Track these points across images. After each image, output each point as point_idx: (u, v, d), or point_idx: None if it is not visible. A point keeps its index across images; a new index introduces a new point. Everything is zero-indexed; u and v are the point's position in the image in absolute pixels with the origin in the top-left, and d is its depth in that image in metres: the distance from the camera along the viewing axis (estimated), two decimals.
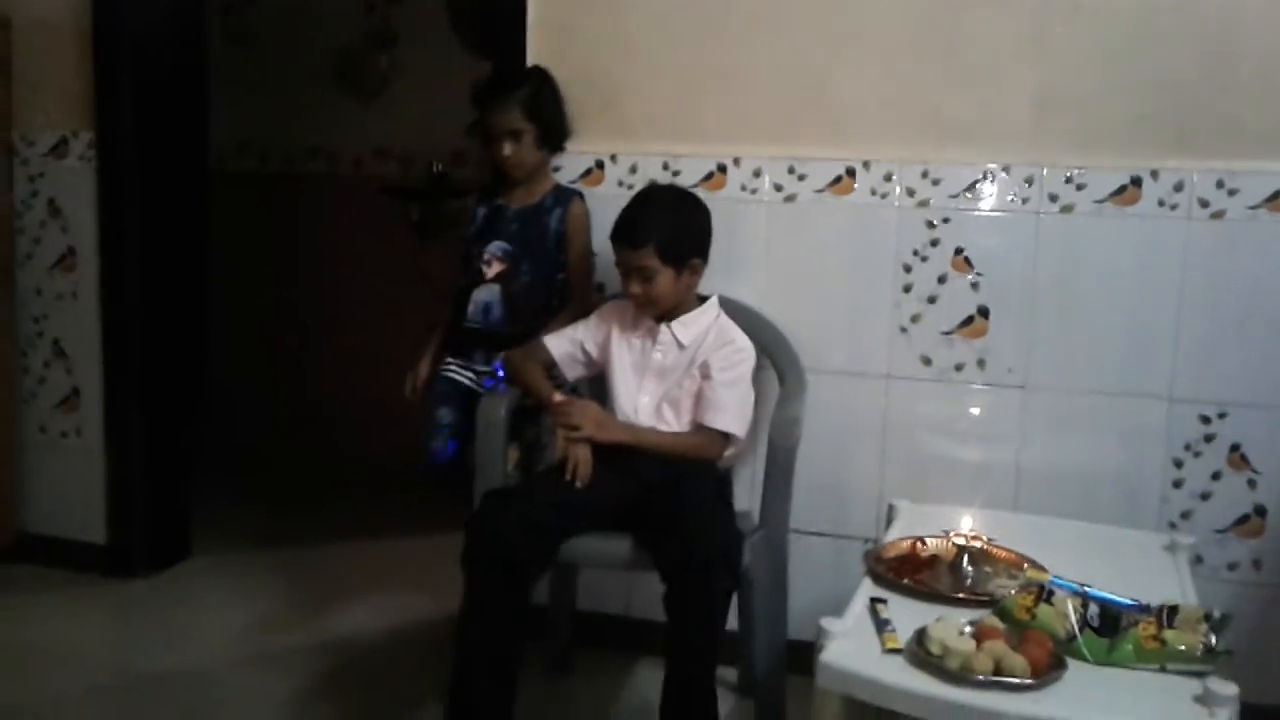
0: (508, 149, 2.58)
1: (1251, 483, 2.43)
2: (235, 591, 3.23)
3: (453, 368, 2.73)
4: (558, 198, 2.66)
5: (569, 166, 2.76)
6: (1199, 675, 1.59)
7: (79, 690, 2.66)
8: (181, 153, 3.38)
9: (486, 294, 2.66)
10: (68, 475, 3.32)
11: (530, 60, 2.74)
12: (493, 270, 2.66)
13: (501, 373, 2.59)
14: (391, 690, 2.68)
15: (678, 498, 2.22)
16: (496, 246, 2.66)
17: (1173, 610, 1.69)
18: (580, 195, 2.68)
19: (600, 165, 2.75)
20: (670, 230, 2.35)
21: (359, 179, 4.31)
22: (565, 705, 2.63)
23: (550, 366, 2.51)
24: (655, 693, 2.20)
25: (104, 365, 3.24)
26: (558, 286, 2.68)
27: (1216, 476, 2.44)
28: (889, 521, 2.28)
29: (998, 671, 1.57)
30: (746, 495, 2.58)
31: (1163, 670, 1.62)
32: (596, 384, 2.63)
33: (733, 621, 2.33)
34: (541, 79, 2.65)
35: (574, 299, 2.66)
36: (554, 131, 2.63)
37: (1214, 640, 1.64)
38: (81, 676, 2.72)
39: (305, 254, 4.36)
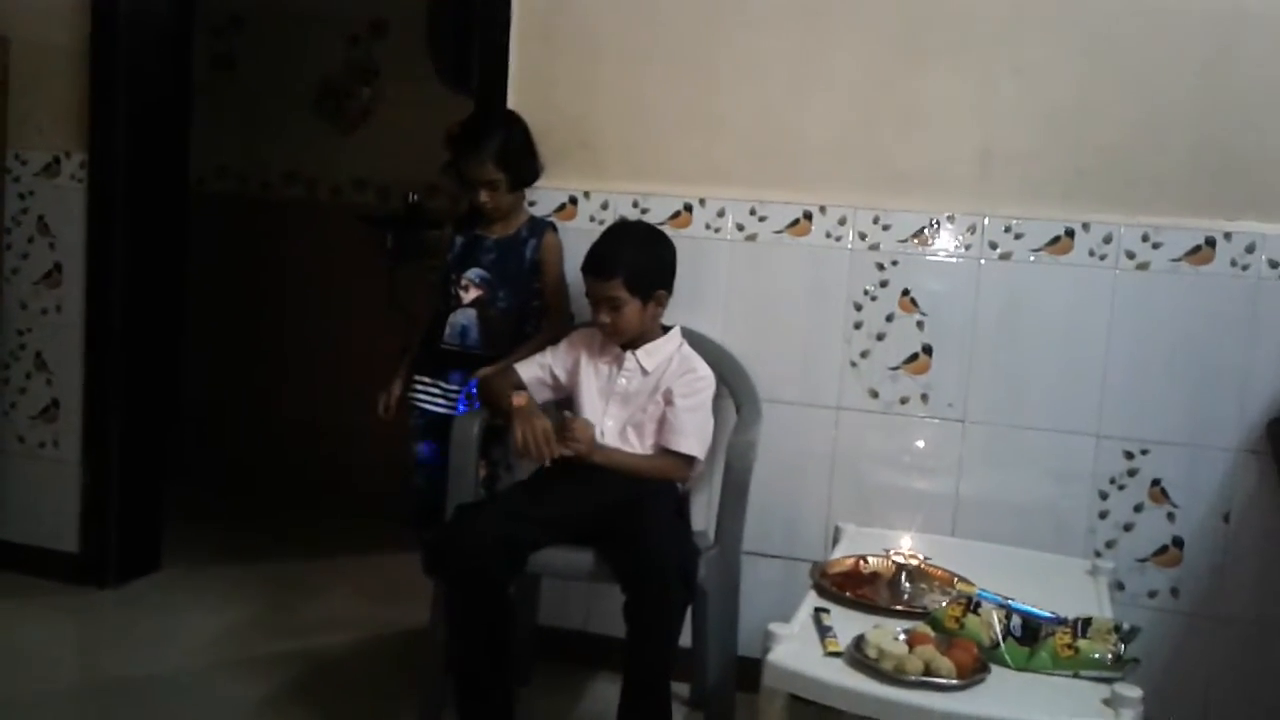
0: (484, 196, 2.73)
1: (1170, 515, 2.60)
2: (205, 602, 3.31)
3: (422, 393, 2.86)
4: (532, 229, 2.81)
5: (544, 201, 2.91)
6: (1108, 681, 1.75)
7: (48, 693, 2.73)
8: (167, 175, 3.49)
9: (463, 318, 2.80)
10: (44, 485, 3.40)
11: (511, 101, 2.89)
12: (470, 295, 2.80)
13: (475, 392, 2.72)
14: (361, 697, 2.78)
15: (639, 514, 2.36)
16: (474, 273, 2.80)
17: (1087, 622, 1.85)
18: (554, 226, 2.83)
19: (574, 201, 2.91)
20: (638, 264, 2.50)
21: (337, 206, 4.42)
22: (526, 717, 2.73)
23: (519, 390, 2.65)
24: (612, 706, 2.34)
25: (85, 378, 3.33)
26: (531, 312, 2.83)
27: (1139, 509, 2.61)
28: (834, 542, 2.43)
29: (927, 673, 1.72)
30: (703, 516, 2.73)
31: (1076, 676, 1.78)
32: (563, 406, 2.77)
33: (686, 639, 2.45)
34: (510, 127, 2.78)
35: (548, 324, 2.81)
36: (525, 175, 2.79)
37: (1123, 649, 1.80)
38: (50, 680, 2.80)
39: (282, 277, 4.44)
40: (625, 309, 2.50)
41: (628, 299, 2.49)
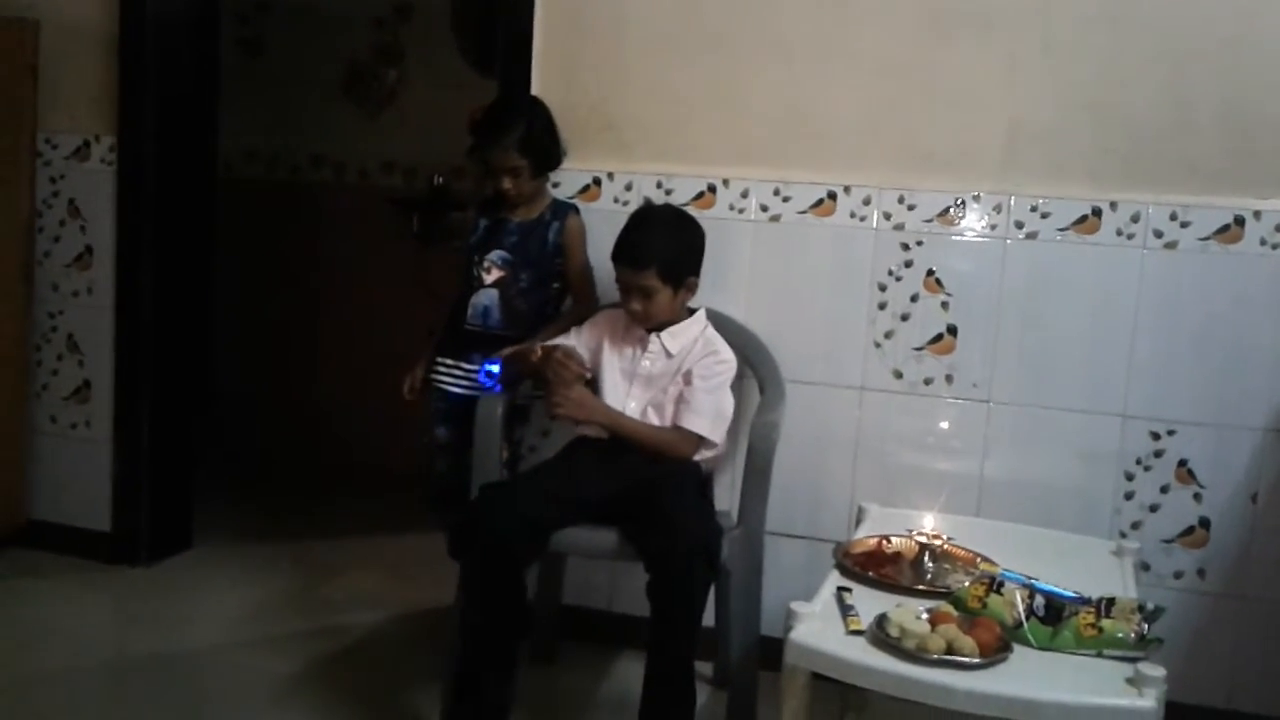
0: (507, 183, 2.74)
1: (1197, 496, 2.59)
2: (235, 580, 3.36)
3: (444, 375, 2.87)
4: (555, 212, 2.82)
5: (568, 183, 2.92)
6: (1132, 660, 1.75)
7: (81, 669, 2.78)
8: (195, 159, 3.52)
9: (486, 298, 2.82)
10: (76, 465, 3.45)
11: (536, 83, 2.90)
12: (492, 277, 2.81)
13: (499, 371, 2.73)
14: (387, 673, 2.81)
15: (663, 494, 2.37)
16: (497, 255, 2.81)
17: (1110, 602, 1.85)
18: (576, 210, 2.83)
19: (598, 182, 2.91)
20: (671, 252, 2.51)
21: (364, 189, 4.46)
22: (549, 695, 2.76)
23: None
24: (636, 684, 2.34)
25: (115, 360, 3.37)
26: (553, 295, 2.84)
27: (1165, 490, 2.60)
28: (858, 522, 2.43)
29: (949, 652, 1.73)
30: (727, 496, 2.74)
31: (1099, 655, 1.78)
32: (587, 387, 2.78)
33: (710, 619, 2.46)
34: (532, 113, 2.78)
35: (574, 306, 2.83)
36: (548, 161, 2.80)
37: (1146, 629, 1.80)
38: (83, 656, 2.84)
39: (311, 261, 4.49)
40: (657, 297, 2.50)
41: (660, 287, 2.49)
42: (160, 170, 3.32)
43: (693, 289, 2.57)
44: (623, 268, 2.52)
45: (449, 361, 2.87)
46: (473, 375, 2.83)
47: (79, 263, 3.39)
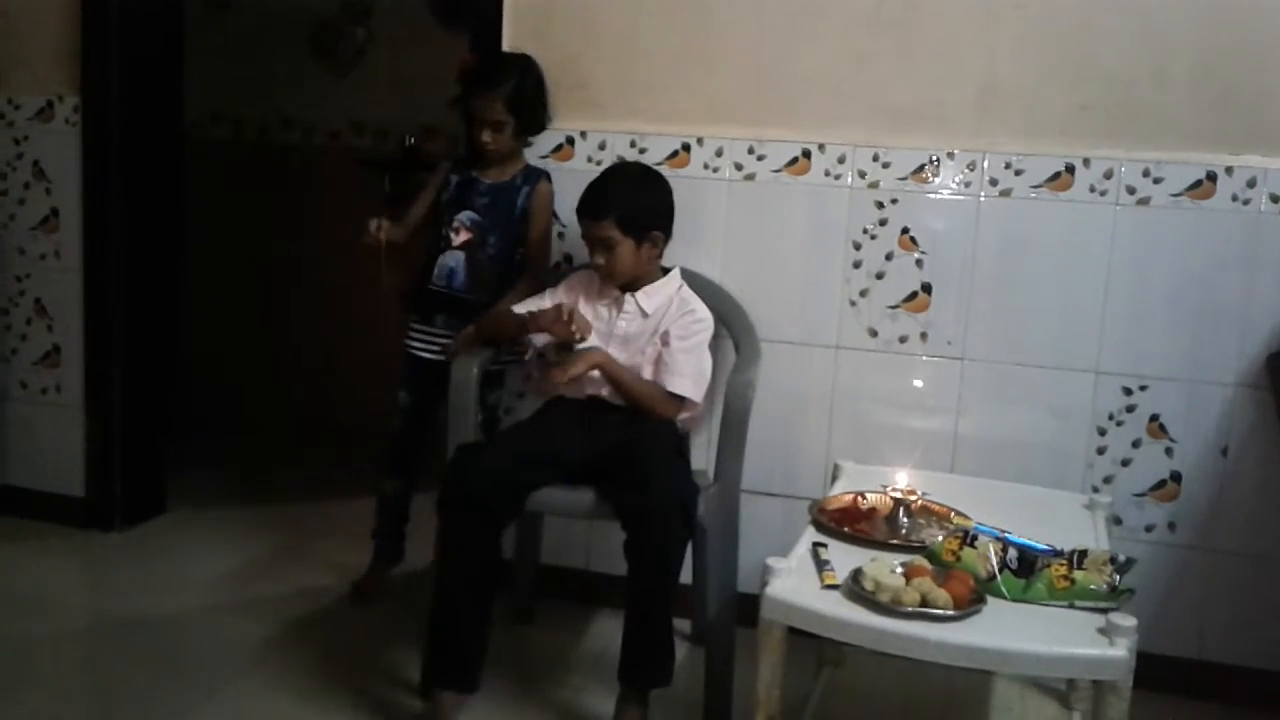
0: (488, 137, 2.72)
1: (1169, 450, 2.62)
2: (210, 544, 3.35)
3: (416, 341, 2.86)
4: (527, 176, 2.80)
5: (541, 142, 2.89)
6: (1103, 611, 1.76)
7: (57, 634, 2.77)
8: (162, 118, 3.46)
9: (452, 260, 2.80)
10: (47, 430, 3.42)
11: (506, 41, 2.86)
12: (460, 238, 2.79)
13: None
14: (364, 637, 2.81)
15: (639, 453, 2.37)
16: (465, 216, 2.79)
17: (1082, 554, 1.87)
18: (548, 176, 2.81)
19: (570, 142, 2.89)
20: (630, 204, 2.50)
21: (334, 150, 4.40)
22: (528, 653, 2.77)
23: (518, 332, 2.65)
24: (614, 642, 2.36)
25: (85, 323, 3.34)
26: (518, 261, 2.83)
27: (1137, 445, 2.63)
28: (833, 479, 2.44)
29: (924, 605, 1.74)
30: (703, 455, 2.74)
31: (1072, 606, 1.79)
32: (561, 349, 2.77)
33: (687, 576, 2.48)
34: (526, 72, 2.75)
35: (528, 272, 2.80)
36: (532, 124, 2.78)
37: (1118, 580, 1.82)
38: (59, 621, 2.84)
39: (283, 223, 4.44)
40: (618, 250, 2.49)
41: (620, 239, 2.49)
42: (126, 131, 3.27)
43: (657, 244, 2.56)
44: (583, 220, 2.52)
45: (416, 326, 2.87)
46: (437, 340, 2.81)
47: (45, 225, 3.34)
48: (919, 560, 1.87)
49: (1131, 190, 2.57)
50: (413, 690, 2.51)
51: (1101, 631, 1.72)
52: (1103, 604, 1.79)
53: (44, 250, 3.36)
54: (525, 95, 2.72)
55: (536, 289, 2.71)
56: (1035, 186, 2.62)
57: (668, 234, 2.58)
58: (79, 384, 3.37)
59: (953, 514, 2.12)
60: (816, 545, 1.99)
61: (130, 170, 3.29)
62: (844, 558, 1.93)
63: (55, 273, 3.35)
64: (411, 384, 2.89)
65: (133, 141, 3.29)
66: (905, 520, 2.13)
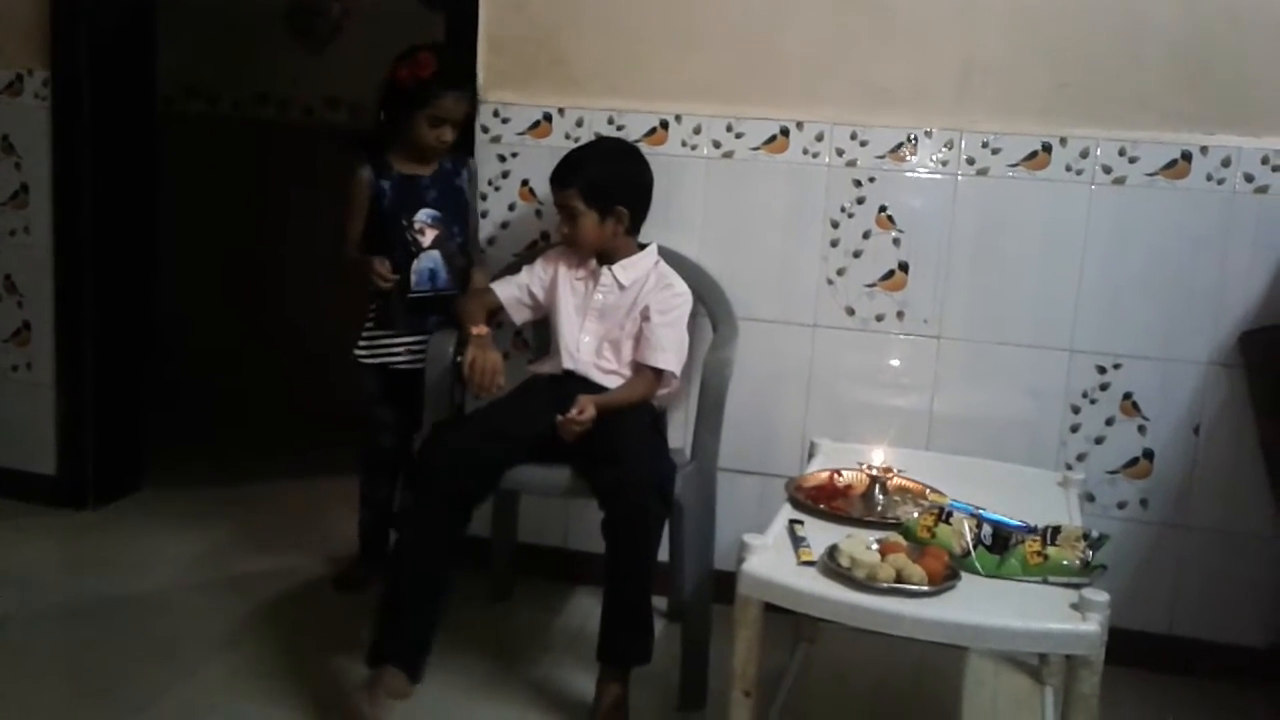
0: (449, 135, 2.72)
1: (1141, 428, 2.64)
2: (186, 524, 3.32)
3: (386, 349, 2.81)
4: (456, 161, 2.81)
5: (517, 119, 2.88)
6: (1076, 586, 1.78)
7: (31, 613, 2.75)
8: (133, 93, 3.40)
9: (429, 261, 2.77)
10: (18, 408, 3.38)
11: (484, 14, 2.84)
12: (428, 238, 2.77)
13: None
14: (340, 617, 2.79)
15: (616, 431, 2.37)
16: (426, 215, 2.77)
17: (1055, 530, 1.89)
18: (471, 154, 2.85)
19: (548, 118, 2.87)
20: (598, 176, 2.51)
21: (309, 126, 4.36)
22: (506, 632, 2.77)
23: (496, 311, 2.64)
24: (593, 620, 2.37)
25: (55, 300, 3.30)
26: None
27: (1110, 422, 2.65)
28: (810, 457, 2.45)
29: (899, 580, 1.75)
30: (680, 433, 2.74)
31: (1045, 582, 1.81)
32: (539, 327, 2.77)
33: (664, 554, 2.49)
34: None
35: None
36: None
37: (1091, 556, 1.83)
38: (33, 600, 2.81)
39: (260, 200, 4.39)
40: (582, 220, 2.51)
41: (584, 210, 2.50)
42: (97, 105, 3.22)
43: (623, 220, 2.55)
44: (552, 186, 2.55)
45: (390, 336, 2.80)
46: (423, 346, 2.72)
47: (14, 201, 3.30)
48: (894, 537, 1.88)
49: (1107, 169, 2.58)
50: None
51: (1074, 607, 1.73)
52: (1075, 579, 1.80)
53: (13, 226, 3.31)
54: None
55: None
56: (1012, 165, 2.62)
57: (637, 211, 2.58)
58: (50, 361, 3.33)
59: (928, 491, 2.14)
60: (793, 522, 2.00)
61: (101, 145, 3.25)
62: (820, 534, 1.94)
63: (25, 249, 3.31)
64: (395, 398, 2.82)
65: (104, 116, 3.24)
66: (881, 497, 2.14)
